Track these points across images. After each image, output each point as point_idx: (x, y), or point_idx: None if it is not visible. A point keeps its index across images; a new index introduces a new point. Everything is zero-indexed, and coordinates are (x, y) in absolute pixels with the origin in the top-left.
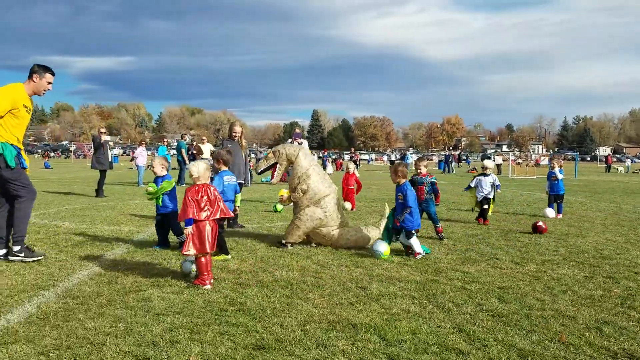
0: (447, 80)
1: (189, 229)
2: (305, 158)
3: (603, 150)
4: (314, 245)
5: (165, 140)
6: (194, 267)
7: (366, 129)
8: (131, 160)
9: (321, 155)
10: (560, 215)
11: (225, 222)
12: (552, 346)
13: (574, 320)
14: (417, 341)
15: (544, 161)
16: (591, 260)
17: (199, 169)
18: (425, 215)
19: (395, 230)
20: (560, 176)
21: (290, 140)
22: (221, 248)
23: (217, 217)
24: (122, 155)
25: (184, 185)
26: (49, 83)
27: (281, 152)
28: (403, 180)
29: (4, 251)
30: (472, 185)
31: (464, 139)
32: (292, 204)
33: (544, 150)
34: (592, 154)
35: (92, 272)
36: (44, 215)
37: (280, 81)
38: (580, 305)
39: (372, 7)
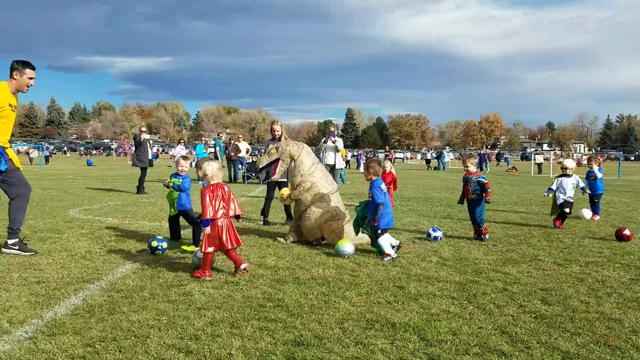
0: (485, 78)
1: (207, 229)
2: (308, 156)
3: None
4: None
5: (203, 138)
6: (199, 255)
7: (401, 127)
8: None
9: (355, 154)
10: (597, 217)
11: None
12: (598, 349)
13: (620, 323)
14: (458, 342)
15: (586, 160)
16: (637, 262)
17: (212, 169)
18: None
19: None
20: (599, 175)
21: (324, 139)
22: (194, 240)
23: (232, 214)
24: (160, 153)
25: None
26: (30, 78)
27: (284, 149)
28: (374, 178)
29: (13, 240)
30: (554, 187)
31: (502, 137)
32: (293, 202)
33: (586, 149)
34: (637, 153)
35: (135, 266)
36: (88, 211)
37: (316, 80)
38: (626, 308)
39: (409, 5)
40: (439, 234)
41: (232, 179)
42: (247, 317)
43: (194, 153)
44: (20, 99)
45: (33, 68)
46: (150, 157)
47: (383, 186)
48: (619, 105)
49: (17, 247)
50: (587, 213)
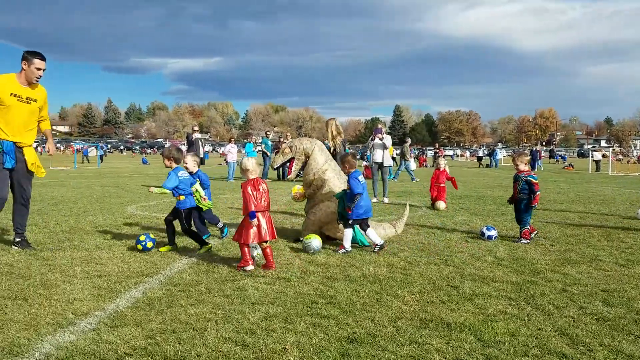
0: (540, 72)
1: (255, 221)
2: (321, 153)
3: None
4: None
5: (252, 137)
6: (258, 251)
7: (451, 123)
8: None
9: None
10: None
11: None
12: None
13: None
14: (517, 343)
15: None
16: None
17: (252, 164)
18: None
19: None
20: None
21: (371, 137)
22: (170, 240)
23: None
24: (211, 151)
25: (266, 180)
26: (39, 69)
27: (298, 147)
28: (351, 170)
29: (18, 239)
30: None
31: (558, 133)
32: (305, 200)
33: None
34: None
35: (191, 261)
36: (144, 207)
37: (363, 77)
38: None
39: None
40: (493, 233)
41: (281, 176)
42: (300, 313)
43: (243, 151)
44: (78, 99)
45: (42, 59)
46: (202, 156)
47: (361, 177)
48: None
49: (18, 246)
50: None
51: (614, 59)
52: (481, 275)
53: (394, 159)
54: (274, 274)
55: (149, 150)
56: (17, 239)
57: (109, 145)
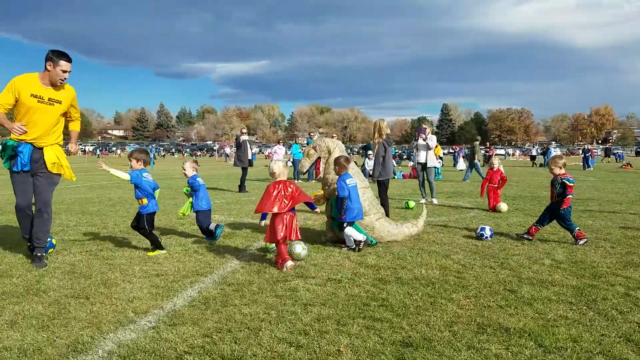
0: (595, 68)
1: (263, 222)
2: (341, 153)
3: None
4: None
5: (298, 138)
6: (300, 248)
7: (502, 122)
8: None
9: (451, 150)
10: None
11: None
12: None
13: None
14: (579, 349)
15: None
16: None
17: (279, 168)
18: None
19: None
20: None
21: (415, 137)
22: (155, 244)
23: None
24: (257, 153)
25: (312, 180)
26: (64, 72)
27: (322, 146)
28: (340, 173)
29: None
30: None
31: (615, 131)
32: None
33: None
34: None
35: (243, 261)
36: None
37: (410, 76)
38: None
39: None
40: (488, 232)
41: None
42: (353, 315)
43: (289, 153)
44: (132, 104)
45: (68, 60)
46: (250, 158)
47: (349, 181)
48: None
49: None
50: None
51: None
52: (539, 279)
53: (441, 158)
54: (324, 276)
55: (198, 153)
56: (37, 253)
57: (162, 149)
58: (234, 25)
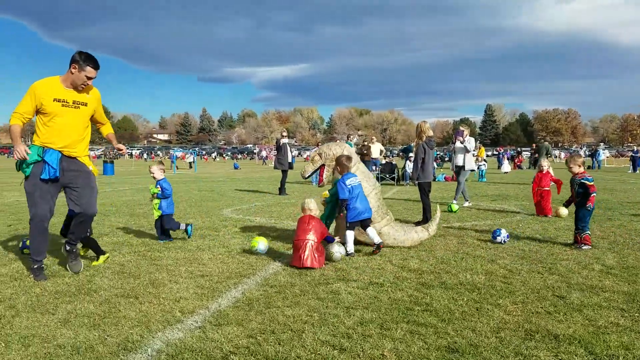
0: None
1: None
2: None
3: None
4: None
5: (337, 141)
6: (341, 250)
7: (548, 122)
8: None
9: (495, 152)
10: None
11: None
12: None
13: None
14: (631, 357)
15: None
16: None
17: (315, 206)
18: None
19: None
20: None
21: (452, 140)
22: (96, 251)
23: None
24: (297, 156)
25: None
26: (89, 78)
27: (328, 153)
28: (342, 173)
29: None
30: None
31: None
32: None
33: None
34: None
35: (284, 263)
36: (238, 210)
37: (452, 76)
38: None
39: None
40: (502, 236)
41: None
42: (396, 320)
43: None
44: (176, 109)
45: (96, 67)
46: (290, 160)
47: (349, 181)
48: None
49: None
50: None
51: None
52: (589, 285)
53: (485, 160)
54: (366, 279)
55: (239, 156)
56: (67, 247)
57: (204, 152)
58: (274, 29)
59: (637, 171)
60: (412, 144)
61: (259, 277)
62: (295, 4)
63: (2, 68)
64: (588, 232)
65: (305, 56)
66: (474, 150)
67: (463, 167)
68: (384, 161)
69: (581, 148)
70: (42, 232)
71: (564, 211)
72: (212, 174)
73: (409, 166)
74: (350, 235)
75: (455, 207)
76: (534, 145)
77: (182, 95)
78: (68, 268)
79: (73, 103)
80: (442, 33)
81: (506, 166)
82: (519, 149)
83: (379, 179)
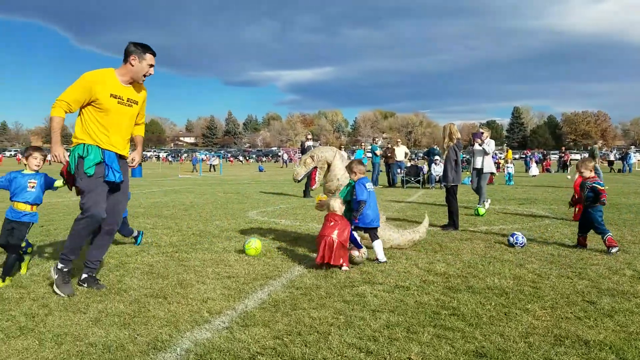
0: None
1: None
2: (342, 160)
3: None
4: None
5: (362, 144)
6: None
7: (577, 125)
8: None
9: (522, 155)
10: None
11: None
12: None
13: None
14: None
15: None
16: None
17: (340, 207)
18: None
19: (357, 228)
20: None
21: (471, 142)
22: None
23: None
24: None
25: (377, 186)
26: (151, 66)
27: (320, 156)
28: (357, 177)
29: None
30: None
31: None
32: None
33: None
34: None
35: (309, 265)
36: (263, 213)
37: (477, 78)
38: None
39: None
40: (520, 240)
41: (391, 182)
42: (423, 323)
43: (352, 157)
44: (202, 112)
45: (154, 53)
46: None
47: (369, 185)
48: None
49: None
50: None
51: None
52: (620, 290)
53: (512, 163)
54: (391, 282)
55: (264, 159)
56: (84, 275)
57: (229, 155)
58: (299, 33)
59: None
60: (435, 147)
61: (285, 278)
62: (320, 7)
63: (33, 73)
64: (609, 233)
65: (329, 59)
66: (501, 153)
67: (482, 169)
68: (409, 164)
69: (611, 151)
70: (90, 232)
71: None
72: (237, 176)
73: (435, 169)
74: (378, 244)
75: (482, 210)
76: (562, 148)
77: (208, 99)
78: (57, 289)
79: (127, 101)
80: (468, 34)
81: (534, 169)
82: (545, 151)
83: (403, 182)
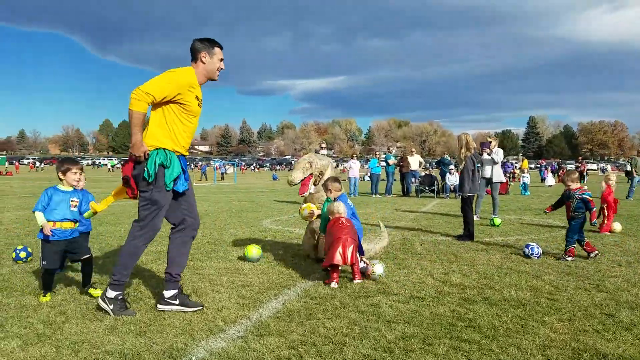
0: None
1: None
2: (332, 171)
3: None
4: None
5: (376, 153)
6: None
7: (594, 135)
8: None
9: (538, 165)
10: None
11: None
12: None
13: None
14: None
15: None
16: None
17: (344, 209)
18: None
19: None
20: None
21: (479, 152)
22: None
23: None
24: (335, 167)
25: (391, 195)
26: (221, 60)
27: (317, 163)
28: (332, 195)
29: (172, 292)
30: None
31: None
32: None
33: None
34: None
35: (323, 275)
36: (278, 221)
37: (492, 87)
38: None
39: (603, 1)
40: (536, 250)
41: (405, 192)
42: (439, 335)
43: (366, 167)
44: (217, 121)
45: (221, 46)
46: None
47: (350, 202)
48: None
49: (177, 302)
50: None
51: None
52: (639, 303)
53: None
54: (407, 293)
55: (278, 167)
56: (174, 291)
57: (243, 163)
58: (314, 42)
59: None
60: (446, 156)
61: (299, 288)
62: (337, 18)
63: (51, 82)
64: (574, 245)
65: (343, 68)
66: (516, 162)
67: (491, 179)
68: (423, 173)
69: (628, 161)
70: (145, 248)
71: (617, 226)
72: (251, 185)
73: (449, 178)
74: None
75: (497, 220)
76: (579, 157)
77: (223, 108)
78: (115, 312)
79: (201, 102)
80: (483, 43)
81: (550, 179)
82: (560, 161)
83: (418, 191)
